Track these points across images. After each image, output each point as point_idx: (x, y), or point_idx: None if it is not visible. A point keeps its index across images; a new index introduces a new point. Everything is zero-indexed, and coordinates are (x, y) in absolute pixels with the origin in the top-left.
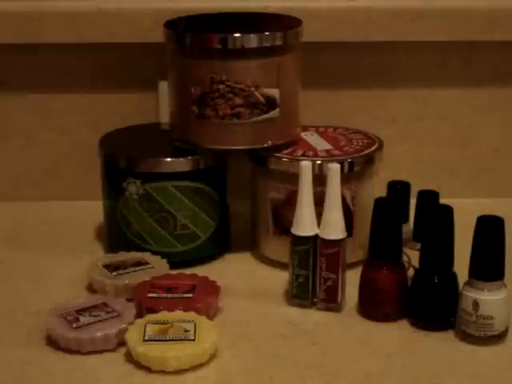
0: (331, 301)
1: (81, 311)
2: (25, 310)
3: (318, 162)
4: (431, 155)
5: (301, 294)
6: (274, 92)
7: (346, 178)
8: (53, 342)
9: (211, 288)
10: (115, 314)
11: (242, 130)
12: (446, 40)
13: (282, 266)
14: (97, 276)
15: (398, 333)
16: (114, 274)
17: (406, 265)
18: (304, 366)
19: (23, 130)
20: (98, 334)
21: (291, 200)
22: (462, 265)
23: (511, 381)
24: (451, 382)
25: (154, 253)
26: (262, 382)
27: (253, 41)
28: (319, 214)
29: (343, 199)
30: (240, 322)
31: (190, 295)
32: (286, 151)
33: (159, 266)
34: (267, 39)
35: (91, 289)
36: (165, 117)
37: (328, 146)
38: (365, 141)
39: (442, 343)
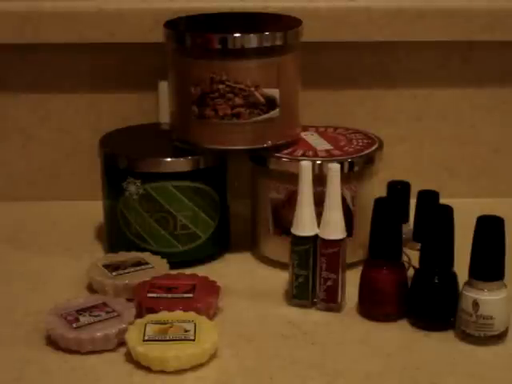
0: (331, 301)
1: (81, 311)
2: (25, 310)
3: (318, 162)
4: (431, 155)
5: (301, 294)
6: (274, 92)
7: (346, 178)
8: (53, 342)
9: (211, 288)
10: (115, 314)
11: (241, 130)
12: (446, 40)
13: (282, 266)
14: (97, 276)
15: (398, 333)
16: (114, 274)
17: (406, 265)
18: (304, 366)
19: (23, 130)
20: (98, 334)
21: (291, 200)
22: (462, 265)
23: (511, 381)
24: (451, 381)
25: (154, 253)
26: (262, 382)
27: (253, 41)
28: (319, 214)
29: (343, 199)
30: (240, 322)
31: (190, 295)
32: (286, 151)
33: (159, 266)
34: (267, 39)
35: (91, 289)
36: (165, 117)
37: (328, 146)
38: (365, 141)
39: (442, 343)
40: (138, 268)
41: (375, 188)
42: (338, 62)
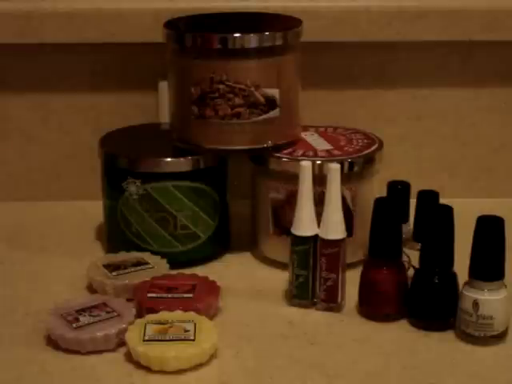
0: (331, 301)
1: (81, 311)
2: (25, 310)
3: (318, 162)
4: (431, 155)
5: (301, 294)
6: (274, 92)
7: (346, 178)
8: (53, 342)
9: (211, 288)
10: (115, 314)
11: (241, 130)
12: (445, 40)
13: (282, 266)
14: (97, 276)
15: (398, 333)
16: (114, 273)
17: (406, 265)
18: (304, 366)
19: (23, 130)
20: (98, 334)
21: (291, 200)
22: (462, 265)
23: (511, 381)
24: (451, 381)
25: (154, 253)
26: (262, 382)
27: (253, 41)
28: (319, 214)
29: (343, 199)
30: (240, 322)
31: (190, 295)
32: (285, 151)
33: (159, 266)
34: (267, 39)
35: (91, 289)
36: (165, 117)
37: (328, 146)
38: (365, 141)
39: (442, 343)
40: (138, 268)
41: (375, 188)
42: (338, 62)
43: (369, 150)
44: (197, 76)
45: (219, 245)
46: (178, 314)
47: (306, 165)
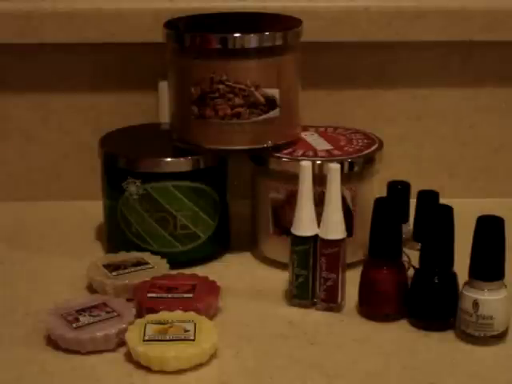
0: (331, 301)
1: (81, 311)
2: (25, 310)
3: (318, 162)
4: (431, 155)
5: (301, 294)
6: (274, 92)
7: (346, 178)
8: (53, 342)
9: (211, 288)
10: (115, 314)
11: (241, 130)
12: (445, 40)
13: (282, 266)
14: (97, 276)
15: (398, 333)
16: (114, 274)
17: (406, 265)
18: (304, 366)
19: (23, 130)
20: (98, 334)
21: (291, 200)
22: (462, 265)
23: (511, 381)
24: (451, 381)
25: (154, 253)
26: (262, 382)
27: (253, 41)
28: (319, 214)
29: (343, 199)
30: (240, 322)
31: (190, 295)
32: (285, 151)
33: (159, 266)
34: (267, 39)
35: (91, 289)
36: (165, 117)
37: (328, 146)
38: (365, 141)
39: (442, 343)
40: (138, 268)
41: (375, 188)
42: (338, 62)
43: (369, 150)
44: (197, 76)
45: (219, 245)
46: (178, 314)
47: (306, 165)
